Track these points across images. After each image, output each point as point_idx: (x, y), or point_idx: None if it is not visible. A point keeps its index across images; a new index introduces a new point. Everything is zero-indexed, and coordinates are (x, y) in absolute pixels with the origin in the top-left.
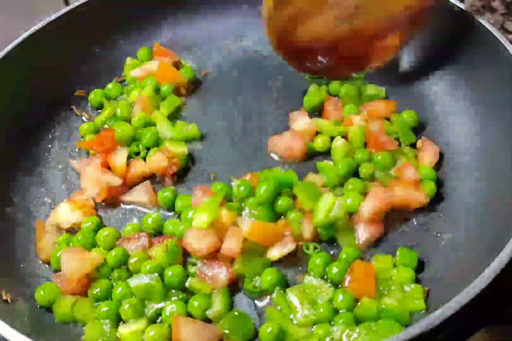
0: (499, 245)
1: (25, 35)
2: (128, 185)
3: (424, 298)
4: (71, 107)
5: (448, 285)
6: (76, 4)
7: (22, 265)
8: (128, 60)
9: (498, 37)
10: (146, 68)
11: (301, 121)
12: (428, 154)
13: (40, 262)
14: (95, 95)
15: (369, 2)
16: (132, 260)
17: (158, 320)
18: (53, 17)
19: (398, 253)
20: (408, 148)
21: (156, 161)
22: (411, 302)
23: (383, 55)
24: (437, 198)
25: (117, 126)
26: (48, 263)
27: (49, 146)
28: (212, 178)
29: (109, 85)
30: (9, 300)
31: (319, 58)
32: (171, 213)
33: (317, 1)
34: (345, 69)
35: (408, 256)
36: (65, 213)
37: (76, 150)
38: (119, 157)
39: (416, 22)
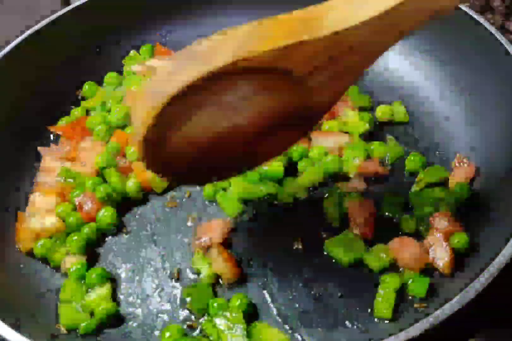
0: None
1: (25, 35)
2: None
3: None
4: (71, 107)
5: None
6: (76, 4)
7: (21, 265)
8: (132, 53)
9: (498, 37)
10: (147, 65)
11: None
12: (462, 173)
13: (40, 262)
14: (89, 86)
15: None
16: None
17: None
18: (53, 17)
19: (411, 280)
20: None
21: None
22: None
23: (276, 151)
24: None
25: (96, 115)
26: (30, 255)
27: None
28: None
29: (107, 75)
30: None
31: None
32: None
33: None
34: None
35: (421, 282)
36: (39, 202)
37: None
38: (82, 147)
39: (308, 121)
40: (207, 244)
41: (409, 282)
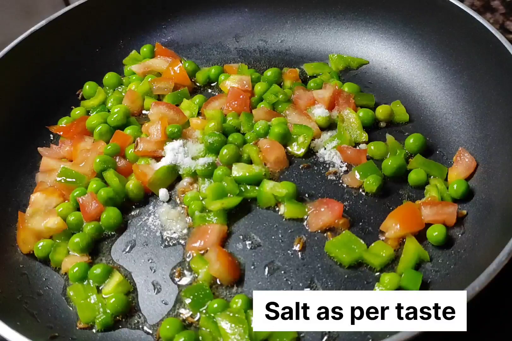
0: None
1: (25, 35)
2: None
3: None
4: (71, 107)
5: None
6: (76, 4)
7: (21, 266)
8: (133, 52)
9: (498, 37)
10: (147, 65)
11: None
12: (462, 167)
13: (40, 262)
14: (89, 86)
15: None
16: None
17: None
18: (53, 17)
19: (404, 274)
20: (439, 180)
21: None
22: None
23: None
24: None
25: (96, 115)
26: (31, 255)
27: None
28: None
29: (107, 75)
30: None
31: None
32: None
33: None
34: None
35: (414, 278)
36: (40, 202)
37: None
38: (82, 147)
39: None
40: (202, 248)
41: (403, 276)
